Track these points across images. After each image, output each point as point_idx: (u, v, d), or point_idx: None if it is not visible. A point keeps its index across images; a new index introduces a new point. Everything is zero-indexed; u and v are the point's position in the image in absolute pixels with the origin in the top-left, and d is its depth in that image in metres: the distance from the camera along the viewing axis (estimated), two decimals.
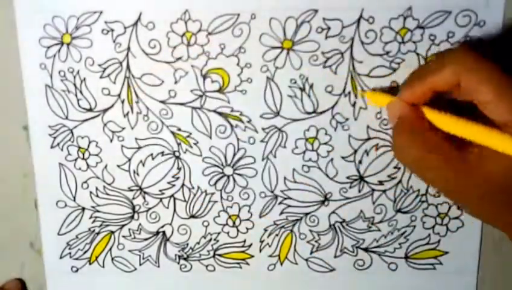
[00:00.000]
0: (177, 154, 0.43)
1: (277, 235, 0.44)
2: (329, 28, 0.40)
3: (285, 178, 0.43)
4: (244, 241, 0.45)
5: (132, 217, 0.44)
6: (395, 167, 0.43)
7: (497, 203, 0.32)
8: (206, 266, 0.45)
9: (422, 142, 0.33)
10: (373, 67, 0.41)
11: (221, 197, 0.44)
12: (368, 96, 0.40)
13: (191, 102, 0.42)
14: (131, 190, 0.44)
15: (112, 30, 0.41)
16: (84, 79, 0.42)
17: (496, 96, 0.30)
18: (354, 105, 0.41)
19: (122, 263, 0.45)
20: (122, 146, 0.43)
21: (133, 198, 0.44)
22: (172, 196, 0.44)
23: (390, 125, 0.40)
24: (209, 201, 0.44)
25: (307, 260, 0.45)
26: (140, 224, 0.44)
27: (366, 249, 0.45)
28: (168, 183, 0.44)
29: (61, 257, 0.45)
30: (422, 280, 0.45)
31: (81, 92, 0.42)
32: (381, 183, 0.43)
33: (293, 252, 0.45)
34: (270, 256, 0.45)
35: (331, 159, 0.43)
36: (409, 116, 0.35)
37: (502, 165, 0.31)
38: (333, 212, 0.44)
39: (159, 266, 0.45)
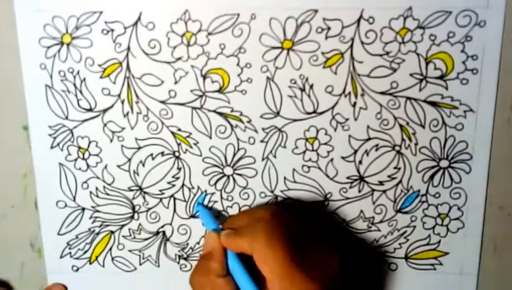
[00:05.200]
0: (177, 154, 0.43)
1: None
2: (329, 28, 0.40)
3: (285, 178, 0.43)
4: None
5: (132, 217, 0.44)
6: (395, 167, 0.43)
7: None
8: None
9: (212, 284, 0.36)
10: (373, 67, 0.41)
11: (221, 197, 0.44)
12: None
13: (191, 102, 0.42)
14: (131, 190, 0.44)
15: (112, 30, 0.41)
16: (84, 79, 0.42)
17: (270, 280, 0.34)
18: (354, 105, 0.41)
19: (122, 263, 0.45)
20: (122, 146, 0.43)
21: (133, 198, 0.44)
22: (172, 196, 0.44)
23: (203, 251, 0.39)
24: (209, 201, 0.44)
25: None
26: (140, 224, 0.44)
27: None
28: (168, 183, 0.44)
29: (61, 257, 0.45)
30: (422, 280, 0.45)
31: (81, 92, 0.42)
32: (381, 183, 0.43)
33: None
34: None
35: (331, 159, 0.43)
36: (213, 256, 0.37)
37: None
38: (333, 212, 0.44)
39: (159, 266, 0.45)
